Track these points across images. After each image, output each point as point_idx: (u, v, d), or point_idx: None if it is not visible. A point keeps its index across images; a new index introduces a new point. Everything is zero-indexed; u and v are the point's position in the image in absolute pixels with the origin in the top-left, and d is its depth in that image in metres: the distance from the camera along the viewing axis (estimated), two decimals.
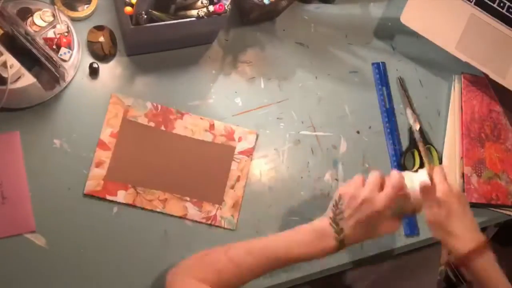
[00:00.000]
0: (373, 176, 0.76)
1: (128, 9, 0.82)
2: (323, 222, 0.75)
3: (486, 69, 1.02)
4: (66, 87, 0.87)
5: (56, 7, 0.85)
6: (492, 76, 1.02)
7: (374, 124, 1.01)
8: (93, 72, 0.88)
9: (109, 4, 0.92)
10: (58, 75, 0.82)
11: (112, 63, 0.91)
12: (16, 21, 0.80)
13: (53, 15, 0.84)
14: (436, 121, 1.05)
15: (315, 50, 1.02)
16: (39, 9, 0.84)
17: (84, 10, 0.89)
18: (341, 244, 0.73)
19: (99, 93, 0.89)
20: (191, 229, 0.87)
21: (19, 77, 0.79)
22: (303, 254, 0.73)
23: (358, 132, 1.00)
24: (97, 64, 0.88)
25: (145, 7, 0.82)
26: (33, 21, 0.83)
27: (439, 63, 1.07)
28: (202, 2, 0.84)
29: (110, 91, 0.89)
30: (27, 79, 0.79)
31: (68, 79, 0.86)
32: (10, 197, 0.81)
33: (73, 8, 0.89)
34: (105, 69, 0.90)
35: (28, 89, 0.80)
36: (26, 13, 0.84)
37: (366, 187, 0.75)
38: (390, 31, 1.05)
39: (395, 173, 0.76)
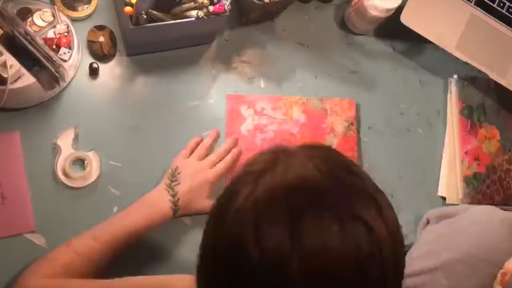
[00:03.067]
0: (211, 155, 0.86)
1: (128, 9, 0.82)
2: (158, 190, 0.81)
3: (486, 69, 1.02)
4: (66, 87, 0.87)
5: (56, 7, 0.85)
6: (492, 76, 1.02)
7: (374, 124, 1.01)
8: (93, 72, 0.88)
9: (109, 4, 0.92)
10: (58, 75, 0.82)
11: (112, 63, 0.91)
12: (16, 21, 0.80)
13: (53, 15, 0.84)
14: (436, 121, 1.05)
15: (315, 50, 1.02)
16: (39, 9, 0.84)
17: (84, 10, 0.89)
18: (176, 207, 0.80)
19: (99, 93, 0.89)
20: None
21: (19, 77, 0.79)
22: (143, 224, 0.78)
23: (358, 132, 0.99)
24: (97, 64, 0.88)
25: (145, 7, 0.82)
26: (33, 21, 0.83)
27: (439, 63, 1.07)
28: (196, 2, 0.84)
29: (110, 91, 0.89)
30: (27, 79, 0.79)
31: (68, 79, 0.86)
32: (10, 197, 0.81)
33: (73, 8, 0.89)
34: (105, 69, 0.90)
35: (28, 89, 0.80)
36: (26, 13, 0.84)
37: (204, 161, 0.85)
38: (390, 31, 1.05)
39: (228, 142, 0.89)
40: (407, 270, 0.83)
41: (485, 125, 1.02)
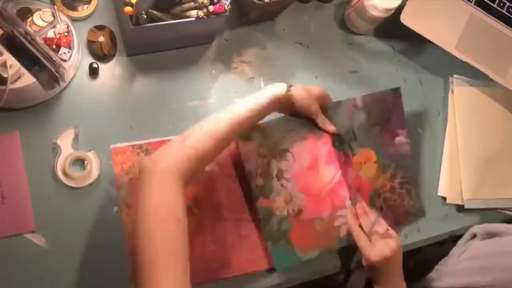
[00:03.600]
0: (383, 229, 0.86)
1: (128, 9, 0.82)
2: (274, 86, 0.83)
3: (486, 69, 1.02)
4: (66, 87, 0.87)
5: (56, 7, 0.85)
6: (492, 76, 1.02)
7: None
8: (93, 72, 0.88)
9: (109, 4, 0.92)
10: (58, 75, 0.82)
11: (112, 63, 0.91)
12: (16, 21, 0.80)
13: (53, 15, 0.84)
14: (436, 121, 1.05)
15: (315, 50, 1.02)
16: (39, 9, 0.84)
17: (84, 10, 0.89)
18: (288, 94, 0.82)
19: (99, 93, 0.89)
20: None
21: (19, 77, 0.79)
22: (261, 112, 0.81)
23: None
24: (97, 64, 0.88)
25: (145, 7, 0.82)
26: (33, 21, 0.83)
27: (439, 63, 1.07)
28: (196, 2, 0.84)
29: (110, 91, 0.89)
30: (27, 79, 0.79)
31: (68, 79, 0.86)
32: (10, 197, 0.81)
33: (73, 8, 0.89)
34: (105, 69, 0.90)
35: (28, 89, 0.80)
36: (26, 13, 0.84)
37: (385, 243, 0.84)
38: (390, 31, 1.05)
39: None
40: (448, 281, 0.86)
41: (358, 151, 0.92)
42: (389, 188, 0.93)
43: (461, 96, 1.04)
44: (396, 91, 0.95)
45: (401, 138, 0.94)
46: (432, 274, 0.96)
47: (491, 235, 0.92)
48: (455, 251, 0.97)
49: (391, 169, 0.93)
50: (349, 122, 0.91)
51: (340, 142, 0.90)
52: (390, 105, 0.95)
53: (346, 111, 0.91)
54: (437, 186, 1.01)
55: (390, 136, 0.94)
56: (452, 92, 1.05)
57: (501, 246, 0.89)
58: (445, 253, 0.98)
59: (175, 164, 0.71)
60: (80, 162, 0.85)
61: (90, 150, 0.85)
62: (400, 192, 0.93)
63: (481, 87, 1.06)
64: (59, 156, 0.83)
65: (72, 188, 0.84)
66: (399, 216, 0.94)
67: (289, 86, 0.83)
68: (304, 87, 0.85)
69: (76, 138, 0.85)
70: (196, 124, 0.76)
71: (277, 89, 0.82)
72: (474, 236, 0.95)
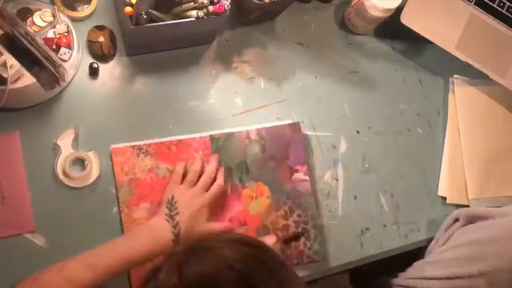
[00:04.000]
0: (203, 177, 0.85)
1: (128, 9, 0.82)
2: (158, 220, 0.80)
3: (486, 69, 1.02)
4: (66, 87, 0.87)
5: (56, 7, 0.85)
6: (492, 76, 1.02)
7: (374, 124, 1.01)
8: (93, 72, 0.88)
9: (109, 4, 0.92)
10: (58, 75, 0.82)
11: (112, 63, 0.91)
12: (16, 21, 0.79)
13: (53, 15, 0.84)
14: (436, 121, 1.05)
15: (315, 50, 1.02)
16: (39, 9, 0.84)
17: (84, 10, 0.89)
18: (176, 238, 0.78)
19: (99, 93, 0.89)
20: None
21: (19, 77, 0.79)
22: (142, 256, 0.76)
23: (358, 132, 0.99)
24: (97, 64, 0.88)
25: (145, 7, 0.82)
26: (33, 21, 0.83)
27: (439, 63, 1.07)
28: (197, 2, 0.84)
29: (110, 91, 0.89)
30: (27, 79, 0.79)
31: (68, 79, 0.86)
32: (10, 197, 0.81)
33: (73, 8, 0.89)
34: (105, 69, 0.90)
35: (28, 89, 0.80)
36: (26, 13, 0.84)
37: (198, 186, 0.84)
38: (390, 31, 1.05)
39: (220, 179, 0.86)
40: (435, 272, 0.84)
41: (249, 184, 0.89)
42: (282, 226, 0.88)
43: (462, 96, 1.04)
44: (295, 125, 0.93)
45: (299, 175, 0.91)
46: (419, 263, 0.93)
47: (474, 219, 0.91)
48: (439, 237, 0.95)
49: (286, 206, 0.89)
50: (242, 155, 0.90)
51: (229, 175, 0.88)
52: (288, 139, 0.92)
53: (239, 144, 0.90)
54: (437, 186, 1.01)
55: (287, 171, 0.91)
56: (453, 92, 1.05)
57: (489, 231, 0.86)
58: None
59: None
60: (80, 162, 0.85)
61: (90, 150, 0.85)
62: (295, 231, 0.89)
63: (481, 87, 1.06)
64: (59, 156, 0.83)
65: (72, 188, 0.84)
66: (300, 254, 0.89)
67: (174, 227, 0.79)
68: (190, 215, 0.80)
69: (76, 138, 0.85)
70: (57, 264, 0.73)
71: (160, 237, 0.78)
72: (456, 220, 0.93)
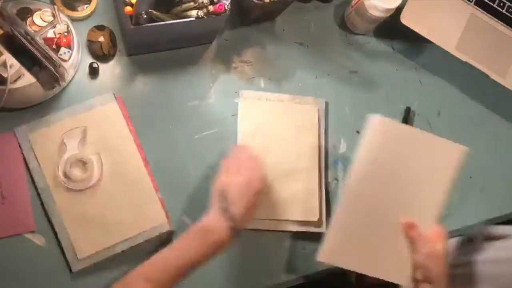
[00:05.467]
0: (248, 160, 0.81)
1: (128, 9, 0.82)
2: (213, 215, 0.75)
3: (486, 69, 1.02)
4: (66, 87, 0.87)
5: (56, 7, 0.85)
6: (492, 76, 1.02)
7: None
8: (93, 72, 0.88)
9: (109, 4, 0.92)
10: (58, 75, 0.82)
11: (112, 63, 0.91)
12: (16, 21, 0.79)
13: (53, 15, 0.84)
14: (436, 121, 1.05)
15: (315, 50, 1.02)
16: (39, 9, 0.84)
17: (84, 10, 0.89)
18: (234, 231, 0.74)
19: (99, 93, 0.89)
20: None
21: (19, 77, 0.79)
22: (203, 258, 0.74)
23: (358, 132, 0.99)
24: (97, 64, 0.88)
25: (145, 7, 0.82)
26: (33, 21, 0.83)
27: (439, 63, 1.07)
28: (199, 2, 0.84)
29: (110, 91, 0.89)
30: (27, 79, 0.79)
31: (68, 79, 0.86)
32: (10, 197, 0.81)
33: (73, 8, 0.89)
34: (105, 69, 0.90)
35: (28, 89, 0.80)
36: (26, 13, 0.84)
37: (244, 172, 0.78)
38: (390, 31, 1.05)
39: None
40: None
41: None
42: None
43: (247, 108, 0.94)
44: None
45: None
46: None
47: (491, 238, 0.91)
48: (454, 259, 0.94)
49: None
50: None
51: None
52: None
53: None
54: None
55: None
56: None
57: (505, 251, 0.86)
58: None
59: None
60: (81, 164, 0.84)
61: (95, 154, 0.85)
62: None
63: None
64: (63, 154, 0.83)
65: (71, 190, 0.83)
66: None
67: (232, 227, 0.74)
68: (246, 203, 0.76)
69: (83, 139, 0.85)
70: (134, 271, 0.73)
71: (218, 235, 0.74)
72: (471, 240, 0.94)
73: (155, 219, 0.85)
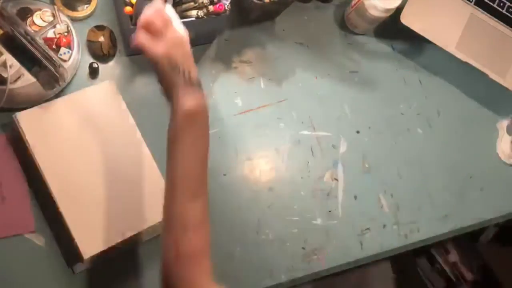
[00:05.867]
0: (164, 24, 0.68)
1: (128, 9, 0.82)
2: (181, 97, 0.66)
3: (486, 69, 1.02)
4: (66, 87, 0.87)
5: (56, 7, 0.85)
6: (492, 76, 1.02)
7: (374, 124, 1.01)
8: (93, 72, 0.88)
9: (109, 4, 0.92)
10: (58, 75, 0.82)
11: (112, 63, 0.91)
12: (16, 21, 0.79)
13: (53, 15, 0.84)
14: (436, 121, 1.05)
15: (315, 50, 1.02)
16: (39, 9, 0.84)
17: (84, 10, 0.89)
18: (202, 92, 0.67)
19: None
20: None
21: (19, 77, 0.79)
22: (206, 140, 0.67)
23: (358, 132, 1.00)
24: (97, 64, 0.88)
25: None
26: (33, 21, 0.83)
27: (439, 63, 1.07)
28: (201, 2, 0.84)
29: None
30: (27, 79, 0.79)
31: (68, 79, 0.86)
32: (10, 197, 0.81)
33: (73, 8, 0.89)
34: (105, 69, 0.90)
35: (28, 89, 0.80)
36: (26, 13, 0.84)
37: (169, 34, 0.67)
38: (390, 31, 1.05)
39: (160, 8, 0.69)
40: None
41: None
42: None
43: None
44: None
45: None
46: None
47: None
48: None
49: None
50: None
51: None
52: None
53: None
54: (437, 186, 1.01)
55: None
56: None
57: None
58: None
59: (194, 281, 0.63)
60: None
61: None
62: None
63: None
64: None
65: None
66: None
67: (199, 90, 0.66)
68: (193, 67, 0.67)
69: None
70: (170, 229, 0.66)
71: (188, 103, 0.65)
72: None
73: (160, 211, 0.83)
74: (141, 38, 0.68)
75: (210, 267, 0.64)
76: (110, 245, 0.79)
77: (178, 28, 0.69)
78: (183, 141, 0.66)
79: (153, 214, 0.82)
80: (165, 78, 0.68)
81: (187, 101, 0.65)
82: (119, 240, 0.80)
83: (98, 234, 0.79)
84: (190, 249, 0.64)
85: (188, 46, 0.69)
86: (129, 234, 0.80)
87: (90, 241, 0.78)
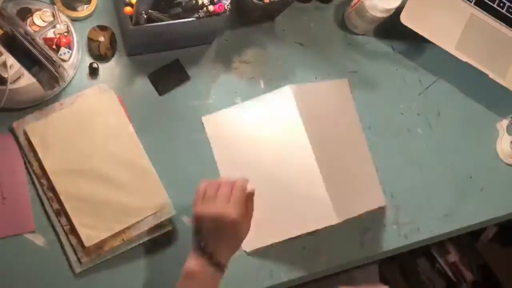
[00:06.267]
0: (221, 193, 0.76)
1: (128, 9, 0.82)
2: (194, 259, 0.74)
3: (486, 69, 1.02)
4: (65, 87, 0.87)
5: (56, 7, 0.85)
6: (492, 76, 1.02)
7: (374, 124, 1.01)
8: (93, 72, 0.88)
9: (109, 4, 0.92)
10: (57, 75, 0.82)
11: (112, 63, 0.91)
12: (16, 21, 0.80)
13: (53, 15, 0.84)
14: (436, 121, 1.05)
15: (315, 50, 1.02)
16: (39, 9, 0.84)
17: (84, 10, 0.89)
18: (219, 266, 0.74)
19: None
20: None
21: (19, 77, 0.79)
22: None
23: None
24: (97, 64, 0.88)
25: (145, 7, 0.82)
26: (33, 21, 0.83)
27: (439, 63, 1.07)
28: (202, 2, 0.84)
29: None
30: (27, 79, 0.79)
31: (67, 79, 0.86)
32: (10, 197, 0.81)
33: (73, 8, 0.89)
34: (105, 69, 0.90)
35: (28, 89, 0.80)
36: (26, 13, 0.84)
37: (219, 199, 0.75)
38: (390, 31, 1.05)
39: (240, 180, 0.77)
40: None
41: None
42: None
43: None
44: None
45: None
46: None
47: None
48: None
49: None
50: None
51: None
52: None
53: None
54: (437, 186, 1.01)
55: None
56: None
57: None
58: None
59: None
60: None
61: None
62: None
63: None
64: None
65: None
66: None
67: (210, 258, 0.73)
68: (221, 236, 0.74)
69: None
70: None
71: (203, 278, 0.73)
72: None
73: (158, 202, 0.84)
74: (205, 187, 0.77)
75: None
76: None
77: (250, 213, 0.78)
78: None
79: (152, 204, 0.83)
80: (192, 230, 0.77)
81: (191, 263, 0.74)
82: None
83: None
84: None
85: (239, 232, 0.76)
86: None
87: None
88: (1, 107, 0.79)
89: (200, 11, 0.84)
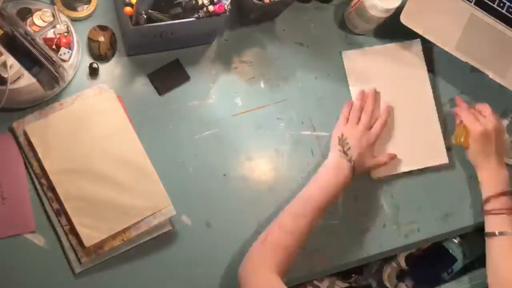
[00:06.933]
0: (363, 116, 0.96)
1: (128, 9, 0.82)
2: (335, 157, 0.90)
3: (486, 69, 1.02)
4: (65, 87, 0.87)
5: (56, 7, 0.85)
6: (492, 76, 1.02)
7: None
8: (93, 72, 0.88)
9: (109, 4, 0.92)
10: (57, 75, 0.82)
11: (112, 63, 0.91)
12: (16, 21, 0.80)
13: (53, 15, 0.84)
14: None
15: (315, 50, 1.02)
16: (39, 9, 0.84)
17: (84, 10, 0.89)
18: (353, 169, 0.89)
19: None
20: None
21: (19, 77, 0.79)
22: (334, 191, 0.86)
23: None
24: (97, 64, 0.88)
25: (145, 7, 0.82)
26: (33, 21, 0.83)
27: (439, 63, 1.07)
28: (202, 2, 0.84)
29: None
30: (27, 79, 0.79)
31: (67, 79, 0.86)
32: (10, 197, 0.81)
33: (73, 8, 0.89)
34: (105, 69, 0.90)
35: (28, 89, 0.80)
36: (26, 13, 0.84)
37: (362, 124, 0.94)
38: (390, 31, 1.05)
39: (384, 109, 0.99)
40: None
41: None
42: None
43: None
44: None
45: None
46: None
47: None
48: None
49: None
50: None
51: None
52: None
53: None
54: (437, 186, 1.01)
55: None
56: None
57: None
58: None
59: (263, 263, 0.79)
60: None
61: None
62: None
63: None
64: None
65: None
66: None
67: (350, 160, 0.89)
68: (360, 151, 0.91)
69: None
70: (274, 223, 0.83)
71: (340, 173, 0.88)
72: None
73: (158, 202, 0.84)
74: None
75: (283, 266, 0.79)
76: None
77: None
78: (321, 177, 0.88)
79: (152, 204, 0.83)
80: (332, 142, 0.95)
81: (334, 161, 0.90)
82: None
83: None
84: (276, 241, 0.80)
85: (368, 147, 0.94)
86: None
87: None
88: (1, 107, 0.79)
89: (200, 11, 0.84)
